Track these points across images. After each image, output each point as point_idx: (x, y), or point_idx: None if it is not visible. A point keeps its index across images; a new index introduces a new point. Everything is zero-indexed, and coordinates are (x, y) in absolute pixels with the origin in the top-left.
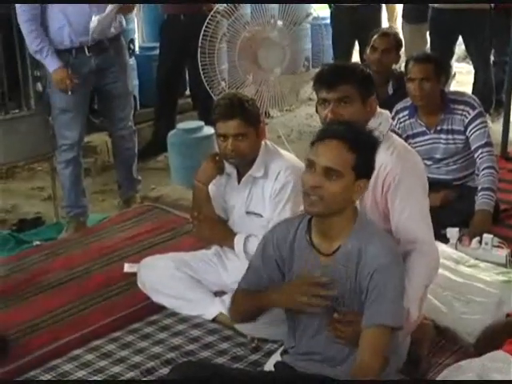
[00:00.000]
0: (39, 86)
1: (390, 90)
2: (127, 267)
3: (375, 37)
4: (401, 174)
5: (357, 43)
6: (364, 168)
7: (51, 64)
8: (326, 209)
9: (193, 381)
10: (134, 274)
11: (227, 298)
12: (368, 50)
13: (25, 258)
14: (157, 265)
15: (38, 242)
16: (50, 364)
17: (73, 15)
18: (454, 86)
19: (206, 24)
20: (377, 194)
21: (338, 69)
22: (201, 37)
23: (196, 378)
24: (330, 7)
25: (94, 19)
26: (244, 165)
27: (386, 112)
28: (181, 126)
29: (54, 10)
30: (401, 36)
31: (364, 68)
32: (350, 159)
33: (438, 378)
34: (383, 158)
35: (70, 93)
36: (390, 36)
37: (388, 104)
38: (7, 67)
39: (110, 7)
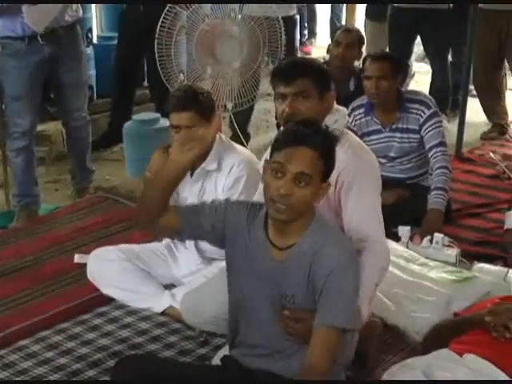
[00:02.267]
0: None
1: (352, 87)
2: (78, 258)
3: (338, 32)
4: (355, 172)
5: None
6: (330, 171)
7: None
8: (293, 214)
9: (137, 376)
10: (85, 265)
11: (177, 292)
12: (331, 45)
13: None
14: (107, 256)
15: None
16: None
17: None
18: (412, 86)
19: (163, 15)
20: (330, 191)
21: (296, 63)
22: (158, 28)
23: (141, 373)
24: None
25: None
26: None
27: (343, 109)
28: (137, 117)
29: None
30: (363, 33)
31: (321, 63)
32: (320, 165)
33: (384, 375)
34: (338, 156)
35: None
36: (353, 32)
37: (349, 100)
38: None
39: None
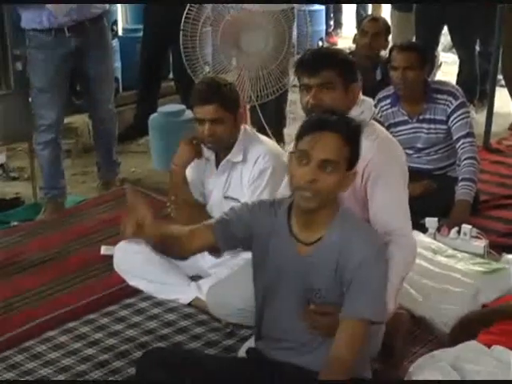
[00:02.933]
0: (19, 65)
1: (378, 76)
2: (104, 250)
3: (365, 21)
4: (382, 164)
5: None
6: (356, 158)
7: None
8: (320, 202)
9: (164, 367)
10: (111, 257)
11: (203, 283)
12: (357, 35)
13: (2, 237)
14: (133, 248)
15: (15, 223)
16: (23, 345)
17: None
18: (439, 76)
19: (188, 6)
20: (356, 182)
21: (321, 54)
22: (183, 19)
23: (167, 364)
24: None
25: None
26: (222, 149)
27: (369, 100)
28: (162, 109)
29: None
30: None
31: (347, 54)
32: (345, 151)
33: (411, 367)
34: (364, 147)
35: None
36: (380, 21)
37: (376, 90)
38: None
39: None
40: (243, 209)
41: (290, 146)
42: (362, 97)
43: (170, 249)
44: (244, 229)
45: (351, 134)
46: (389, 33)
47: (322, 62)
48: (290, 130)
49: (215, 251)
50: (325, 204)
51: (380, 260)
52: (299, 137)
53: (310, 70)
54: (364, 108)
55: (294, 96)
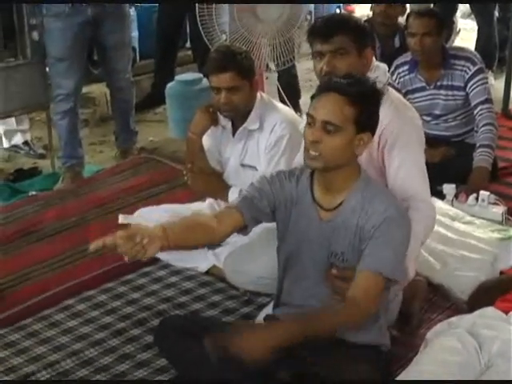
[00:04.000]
0: (35, 35)
1: (397, 43)
2: (122, 218)
3: None
4: (398, 129)
5: None
6: (367, 121)
7: None
8: (326, 163)
9: (181, 334)
10: (129, 225)
11: (221, 252)
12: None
13: (20, 207)
14: (151, 216)
15: (33, 192)
16: (42, 313)
17: None
18: (457, 43)
19: None
20: (372, 148)
21: (333, 20)
22: None
23: (185, 331)
24: None
25: None
26: (239, 117)
27: (384, 65)
28: (180, 77)
29: None
30: None
31: (359, 19)
32: (350, 112)
33: (428, 334)
34: (380, 113)
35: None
36: None
37: (394, 57)
38: (2, 15)
39: None
40: (263, 182)
41: None
42: (375, 62)
43: (196, 241)
44: (267, 202)
45: (361, 96)
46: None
47: (334, 28)
48: (308, 99)
49: (243, 229)
50: (336, 166)
51: (401, 221)
52: (311, 99)
53: (323, 37)
54: (378, 73)
55: (310, 64)
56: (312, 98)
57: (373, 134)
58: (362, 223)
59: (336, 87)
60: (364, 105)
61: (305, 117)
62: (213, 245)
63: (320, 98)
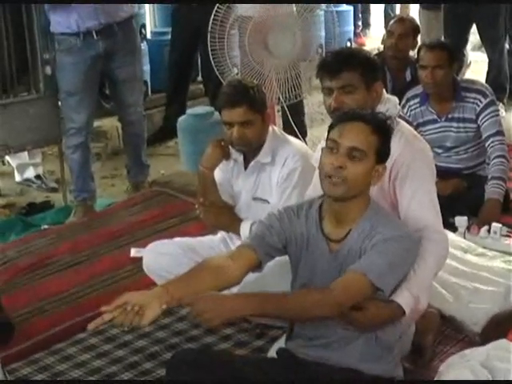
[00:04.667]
0: (48, 69)
1: (408, 77)
2: (134, 252)
3: (391, 22)
4: (409, 161)
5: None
6: (384, 152)
7: None
8: (349, 191)
9: (194, 368)
10: (141, 259)
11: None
12: (385, 36)
13: (32, 241)
14: (163, 250)
15: (46, 226)
16: (54, 347)
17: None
18: (468, 75)
19: (216, 8)
20: (384, 181)
21: (340, 56)
22: (211, 21)
23: (197, 365)
24: None
25: None
26: (251, 151)
27: (394, 98)
28: (191, 111)
29: None
30: (418, 22)
31: (368, 53)
32: (374, 141)
33: (441, 367)
34: (391, 145)
35: None
36: (407, 21)
37: (406, 91)
38: (16, 49)
39: None
40: (272, 219)
41: (322, 144)
42: (386, 95)
43: (209, 287)
44: (278, 238)
45: (381, 126)
46: (417, 33)
47: (342, 64)
48: (319, 132)
49: (256, 267)
50: (353, 195)
51: (407, 242)
52: (330, 128)
53: (331, 73)
54: (389, 106)
55: (322, 97)
56: (331, 127)
57: (385, 166)
58: (366, 244)
59: (361, 116)
60: (383, 135)
61: (317, 150)
62: (231, 287)
63: (345, 126)
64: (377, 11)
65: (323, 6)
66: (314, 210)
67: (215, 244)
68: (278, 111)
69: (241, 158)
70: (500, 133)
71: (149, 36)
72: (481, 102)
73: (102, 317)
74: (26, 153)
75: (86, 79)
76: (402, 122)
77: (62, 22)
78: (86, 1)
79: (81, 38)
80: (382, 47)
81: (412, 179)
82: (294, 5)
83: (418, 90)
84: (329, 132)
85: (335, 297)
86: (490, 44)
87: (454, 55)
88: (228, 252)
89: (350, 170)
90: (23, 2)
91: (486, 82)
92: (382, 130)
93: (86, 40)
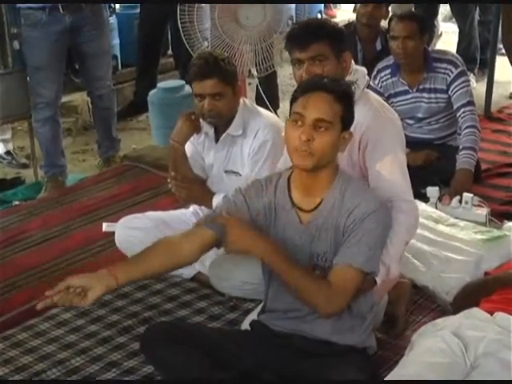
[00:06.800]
0: (16, 44)
1: (379, 47)
2: (106, 226)
3: None
4: (378, 131)
5: None
6: (349, 118)
7: None
8: (318, 162)
9: (167, 342)
10: (113, 234)
11: (205, 258)
12: (359, 5)
13: (4, 217)
14: (135, 224)
15: (17, 202)
16: (27, 323)
17: None
18: (439, 46)
19: None
20: (353, 152)
21: (309, 27)
22: None
23: (171, 338)
24: None
25: None
26: (222, 124)
27: (362, 69)
28: (162, 85)
29: None
30: None
31: (335, 23)
32: (338, 110)
33: (414, 336)
34: (360, 116)
35: None
36: None
37: (376, 60)
38: None
39: None
40: (237, 195)
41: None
42: (354, 66)
43: (160, 268)
44: (243, 214)
45: (343, 93)
46: (390, 2)
47: (311, 36)
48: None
49: (216, 245)
50: (323, 165)
51: (379, 214)
52: (293, 101)
53: (300, 45)
54: (358, 76)
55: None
56: (294, 98)
57: (350, 131)
58: (342, 220)
59: (323, 86)
60: (347, 102)
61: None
62: (185, 266)
63: (308, 98)
64: None
65: None
66: (284, 180)
67: (187, 217)
68: (250, 84)
69: (212, 131)
70: (471, 103)
71: (118, 9)
72: (452, 72)
73: (44, 301)
74: None
75: (53, 54)
76: (371, 93)
77: None
78: None
79: (47, 12)
80: (352, 18)
81: (381, 149)
82: None
83: (389, 61)
84: (291, 104)
85: (337, 305)
86: (460, 15)
87: (424, 26)
88: (183, 231)
89: (318, 141)
90: None
91: (457, 52)
92: (345, 97)
93: (52, 15)
